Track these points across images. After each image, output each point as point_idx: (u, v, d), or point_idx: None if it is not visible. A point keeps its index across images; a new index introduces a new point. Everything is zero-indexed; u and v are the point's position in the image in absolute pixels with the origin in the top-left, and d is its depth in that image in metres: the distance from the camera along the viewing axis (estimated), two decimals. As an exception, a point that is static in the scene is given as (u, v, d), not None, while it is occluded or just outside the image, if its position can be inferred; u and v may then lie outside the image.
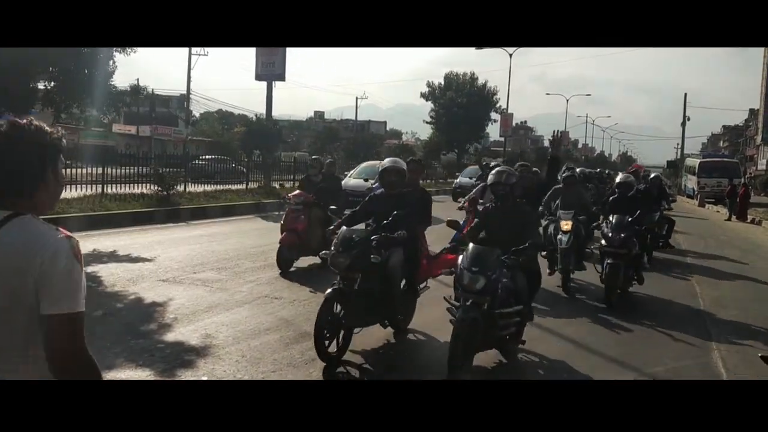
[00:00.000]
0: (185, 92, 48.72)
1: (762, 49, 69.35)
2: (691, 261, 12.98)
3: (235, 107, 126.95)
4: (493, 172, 6.25)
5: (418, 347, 6.47)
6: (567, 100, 79.88)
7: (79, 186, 16.64)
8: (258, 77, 24.10)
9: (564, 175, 10.21)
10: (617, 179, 10.25)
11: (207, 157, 31.42)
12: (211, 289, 8.11)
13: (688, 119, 53.88)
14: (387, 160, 6.93)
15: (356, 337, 5.92)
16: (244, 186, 23.47)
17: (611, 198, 9.71)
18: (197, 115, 72.96)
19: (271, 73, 24.01)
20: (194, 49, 42.25)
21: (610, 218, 9.07)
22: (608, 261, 8.60)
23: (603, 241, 8.84)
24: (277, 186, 22.90)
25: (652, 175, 10.84)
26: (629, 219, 8.87)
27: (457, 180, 31.33)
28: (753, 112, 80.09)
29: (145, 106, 55.22)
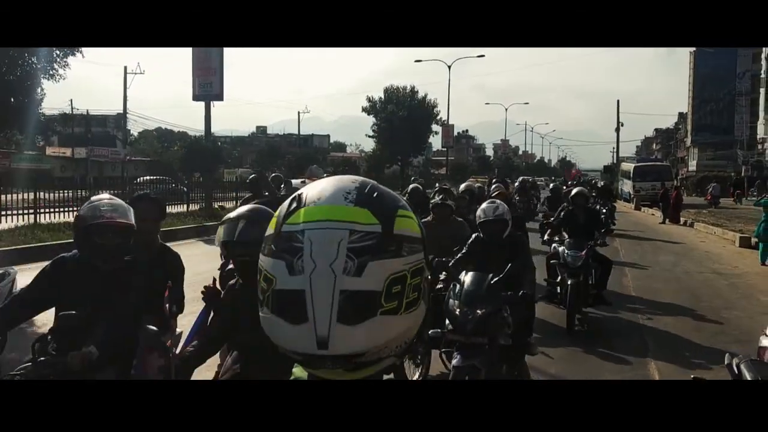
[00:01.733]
0: (122, 111, 47.79)
1: (688, 53, 72.25)
2: (629, 274, 13.35)
3: (175, 125, 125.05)
4: (483, 207, 5.78)
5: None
6: (506, 109, 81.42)
7: (10, 216, 16.06)
8: (195, 98, 23.80)
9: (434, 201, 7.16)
10: (573, 191, 9.69)
11: (147, 178, 30.83)
12: (181, 315, 7.89)
13: (622, 125, 55.64)
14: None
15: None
16: (185, 208, 23.06)
17: (563, 212, 9.32)
18: (135, 134, 71.56)
19: (208, 93, 23.74)
20: (130, 68, 41.51)
21: (564, 234, 8.84)
22: (569, 282, 8.05)
23: (560, 260, 8.37)
24: (218, 207, 22.63)
25: (574, 191, 9.54)
26: (590, 244, 8.51)
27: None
28: (682, 116, 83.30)
29: (80, 126, 53.82)
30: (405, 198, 5.80)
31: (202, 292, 3.83)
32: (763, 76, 56.31)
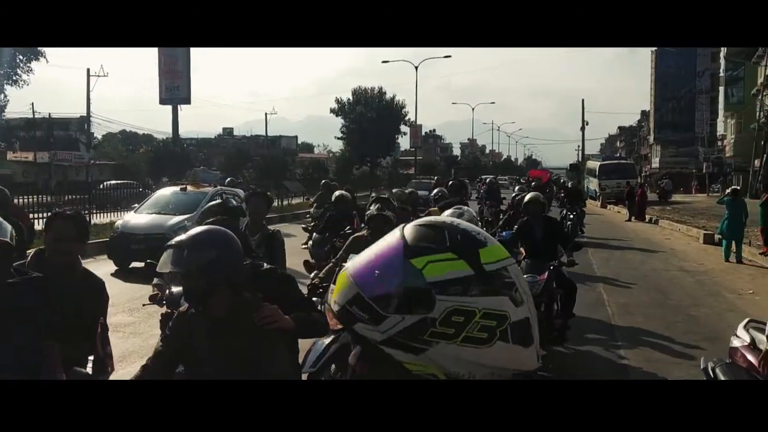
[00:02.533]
0: (85, 114, 46.95)
1: (650, 53, 73.57)
2: (598, 271, 13.58)
3: (140, 127, 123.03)
4: (447, 212, 5.59)
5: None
6: (473, 109, 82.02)
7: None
8: (162, 101, 23.61)
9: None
10: (526, 198, 8.05)
11: (112, 182, 30.35)
12: (124, 335, 7.81)
13: (587, 123, 56.50)
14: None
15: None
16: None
17: (518, 225, 7.77)
18: (99, 137, 70.31)
19: (176, 96, 23.57)
20: (93, 70, 40.74)
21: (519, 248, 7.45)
22: None
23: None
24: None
25: (527, 198, 7.95)
26: (552, 264, 7.00)
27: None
28: (645, 114, 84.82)
29: (43, 130, 52.72)
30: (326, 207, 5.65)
31: (160, 321, 3.56)
32: (722, 74, 57.57)
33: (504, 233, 8.27)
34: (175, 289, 4.26)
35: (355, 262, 1.42)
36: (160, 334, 3.56)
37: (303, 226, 12.84)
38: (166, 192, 15.34)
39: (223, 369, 2.67)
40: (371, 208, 5.93)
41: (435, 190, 10.50)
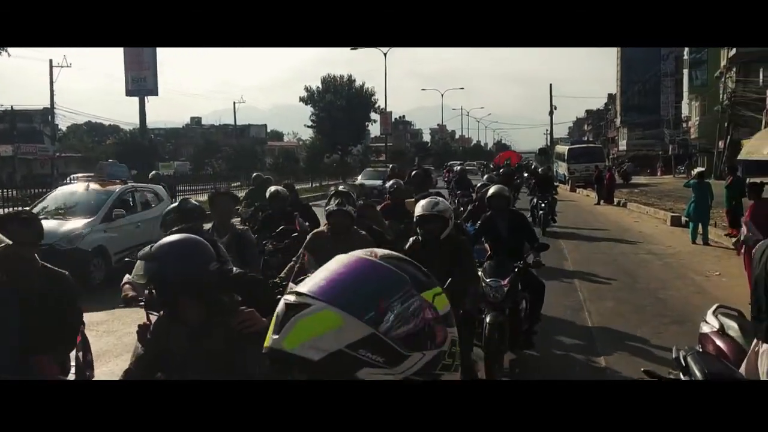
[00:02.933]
0: (48, 106, 45.97)
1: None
2: (569, 256, 13.76)
3: (105, 118, 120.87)
4: (422, 203, 5.30)
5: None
6: (442, 95, 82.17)
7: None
8: (129, 93, 23.25)
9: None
10: (489, 191, 7.33)
11: (79, 175, 29.82)
12: (97, 333, 7.73)
13: (555, 108, 56.91)
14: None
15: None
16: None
17: (482, 218, 7.25)
18: (63, 129, 68.98)
19: (142, 88, 23.20)
20: (56, 61, 39.88)
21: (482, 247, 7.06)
22: (487, 320, 5.88)
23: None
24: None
25: (491, 192, 7.25)
26: (518, 265, 6.41)
27: (363, 181, 28.15)
28: (611, 97, 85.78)
29: (5, 122, 51.51)
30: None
31: (137, 332, 3.45)
32: (685, 57, 58.38)
33: (469, 226, 7.93)
34: None
35: (345, 295, 1.20)
36: (137, 340, 3.54)
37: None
38: (66, 191, 12.99)
39: (204, 373, 2.67)
40: (331, 203, 5.65)
41: (390, 182, 9.42)
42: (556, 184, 21.39)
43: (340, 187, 6.16)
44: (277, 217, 8.06)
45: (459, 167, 21.47)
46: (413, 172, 13.46)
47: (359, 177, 30.38)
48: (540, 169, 24.25)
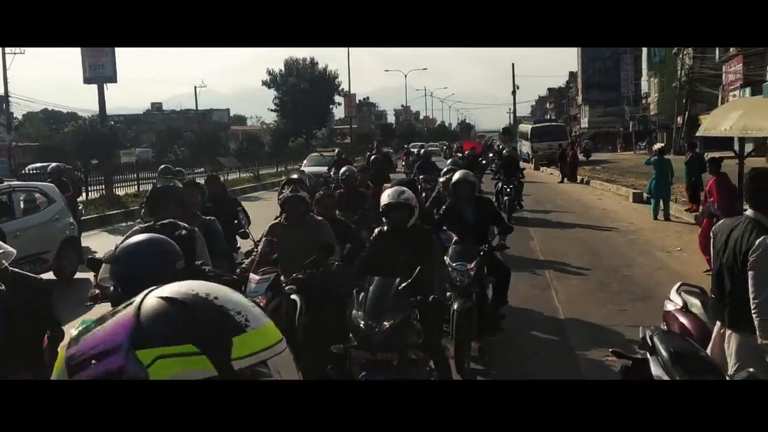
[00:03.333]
0: (2, 94, 44.68)
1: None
2: (534, 236, 13.93)
3: (63, 106, 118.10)
4: (387, 191, 5.23)
5: None
6: (405, 75, 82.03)
7: None
8: (87, 80, 22.64)
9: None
10: (454, 177, 7.15)
11: (37, 165, 29.13)
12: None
13: (518, 87, 57.33)
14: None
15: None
16: (83, 197, 22.02)
17: (446, 204, 7.19)
18: (19, 117, 67.19)
19: (101, 75, 22.65)
20: (9, 48, 38.74)
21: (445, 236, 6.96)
22: (455, 306, 5.85)
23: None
24: (124, 194, 21.77)
25: (455, 178, 7.04)
26: (483, 249, 6.41)
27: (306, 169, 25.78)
28: (573, 75, 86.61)
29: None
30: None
31: None
32: (644, 34, 59.07)
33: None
34: None
35: (78, 341, 1.07)
36: None
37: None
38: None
39: None
40: (284, 191, 5.58)
41: (343, 169, 8.81)
42: (522, 166, 19.62)
43: (292, 175, 6.08)
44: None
45: (422, 150, 19.37)
46: (372, 157, 12.84)
47: (304, 163, 26.94)
48: (505, 151, 22.54)
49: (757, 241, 3.56)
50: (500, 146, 33.97)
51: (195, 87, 65.32)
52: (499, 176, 16.57)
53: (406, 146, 40.34)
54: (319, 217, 5.70)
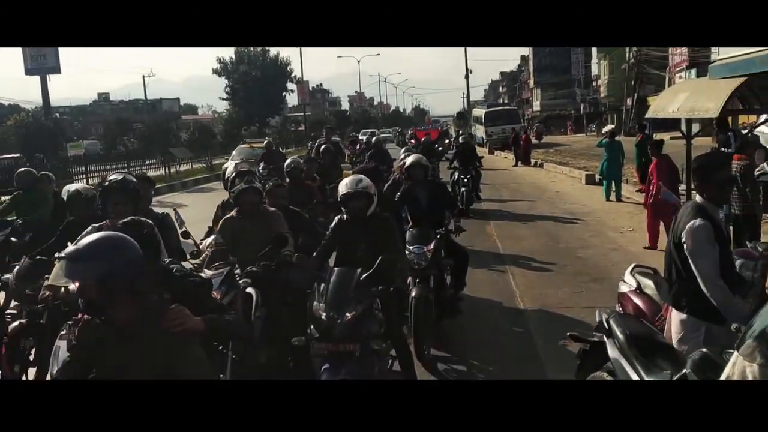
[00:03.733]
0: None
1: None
2: (491, 221, 14.02)
3: (4, 98, 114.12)
4: (345, 181, 5.19)
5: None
6: (359, 61, 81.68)
7: None
8: (29, 71, 21.88)
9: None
10: (407, 161, 7.29)
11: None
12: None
13: (471, 71, 57.49)
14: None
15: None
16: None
17: (401, 189, 7.17)
18: (-43, 111, 64.75)
19: (43, 66, 21.91)
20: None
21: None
22: (413, 293, 5.85)
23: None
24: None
25: (408, 162, 7.18)
26: (439, 232, 6.49)
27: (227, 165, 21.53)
28: (524, 59, 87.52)
29: None
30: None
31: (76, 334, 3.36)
32: (593, 17, 59.90)
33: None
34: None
35: None
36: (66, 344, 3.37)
37: None
38: None
39: (139, 375, 2.57)
40: (236, 183, 5.46)
41: (288, 161, 8.34)
42: (480, 154, 18.09)
43: (242, 167, 5.98)
44: (79, 225, 5.27)
45: (374, 138, 17.21)
46: (322, 147, 11.87)
47: (232, 155, 23.41)
48: (461, 138, 20.44)
49: (687, 225, 3.64)
50: (459, 133, 33.31)
51: (144, 76, 63.86)
52: (455, 166, 15.10)
53: (352, 135, 37.76)
54: (272, 208, 5.62)
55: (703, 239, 3.60)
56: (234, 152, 24.04)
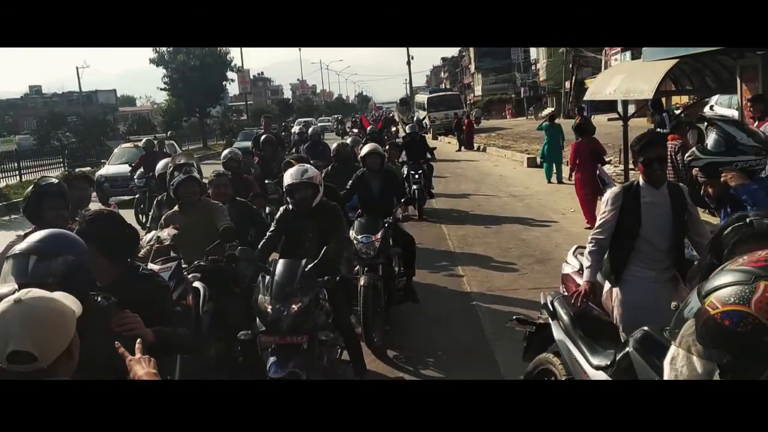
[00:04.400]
0: None
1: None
2: (437, 206, 14.10)
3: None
4: (290, 171, 5.10)
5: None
6: (300, 49, 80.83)
7: None
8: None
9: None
10: (364, 150, 7.27)
11: None
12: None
13: (412, 58, 57.61)
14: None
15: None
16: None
17: (353, 177, 7.03)
18: None
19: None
20: None
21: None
22: (362, 282, 5.83)
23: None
24: (2, 185, 20.33)
25: (365, 151, 7.16)
26: (387, 221, 6.47)
27: (102, 170, 17.50)
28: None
29: None
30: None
31: None
32: (531, 2, 60.68)
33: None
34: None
35: None
36: None
37: None
38: None
39: (85, 377, 2.50)
40: (175, 175, 5.30)
41: (224, 152, 7.89)
42: (432, 145, 16.43)
43: (180, 159, 5.89)
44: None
45: (310, 128, 14.22)
46: (262, 138, 10.65)
47: (110, 159, 18.62)
48: (408, 127, 17.59)
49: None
50: (410, 127, 30.50)
51: (77, 68, 61.69)
52: (402, 160, 13.03)
53: (286, 121, 35.66)
54: (214, 201, 5.50)
55: (605, 200, 4.02)
56: (114, 152, 19.24)
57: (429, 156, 13.87)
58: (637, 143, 3.95)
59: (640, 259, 3.94)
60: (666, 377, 1.75)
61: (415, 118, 33.81)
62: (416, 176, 12.49)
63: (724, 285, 1.49)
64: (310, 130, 13.01)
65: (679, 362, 1.69)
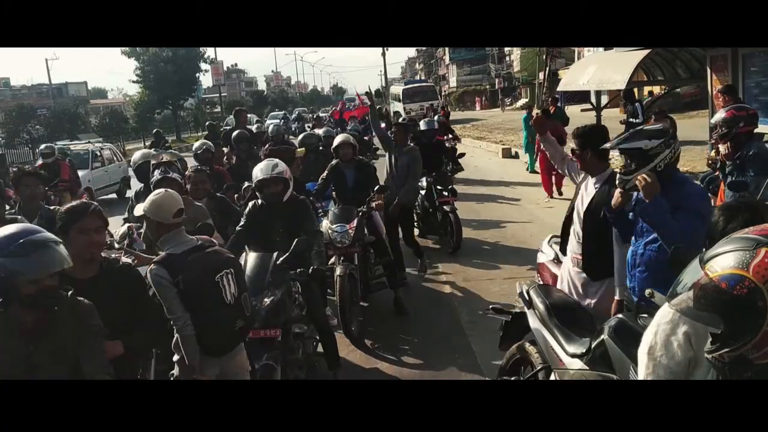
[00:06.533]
0: None
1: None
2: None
3: None
4: (260, 166, 5.03)
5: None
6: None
7: None
8: None
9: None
10: (336, 141, 7.24)
11: None
12: None
13: (387, 49, 57.55)
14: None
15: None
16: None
17: (328, 168, 7.11)
18: None
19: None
20: None
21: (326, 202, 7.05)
22: (338, 272, 5.91)
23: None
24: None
25: (337, 141, 7.19)
26: (361, 210, 6.51)
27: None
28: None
29: None
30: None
31: None
32: (505, -7, 60.86)
33: (308, 184, 7.13)
34: None
35: None
36: None
37: None
38: None
39: (51, 372, 2.49)
40: (155, 174, 5.24)
41: (196, 145, 7.70)
42: (461, 152, 14.01)
43: (163, 157, 5.79)
44: None
45: (271, 126, 12.53)
46: (235, 133, 9.62)
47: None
48: (423, 122, 10.97)
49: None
50: (395, 113, 27.34)
51: (46, 59, 60.61)
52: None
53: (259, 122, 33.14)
54: (197, 202, 5.35)
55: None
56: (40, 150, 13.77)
57: (449, 167, 11.15)
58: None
59: None
60: (642, 367, 1.78)
61: (400, 109, 32.93)
62: (444, 194, 9.17)
63: (727, 251, 1.51)
64: (270, 128, 11.52)
65: (657, 351, 1.72)
